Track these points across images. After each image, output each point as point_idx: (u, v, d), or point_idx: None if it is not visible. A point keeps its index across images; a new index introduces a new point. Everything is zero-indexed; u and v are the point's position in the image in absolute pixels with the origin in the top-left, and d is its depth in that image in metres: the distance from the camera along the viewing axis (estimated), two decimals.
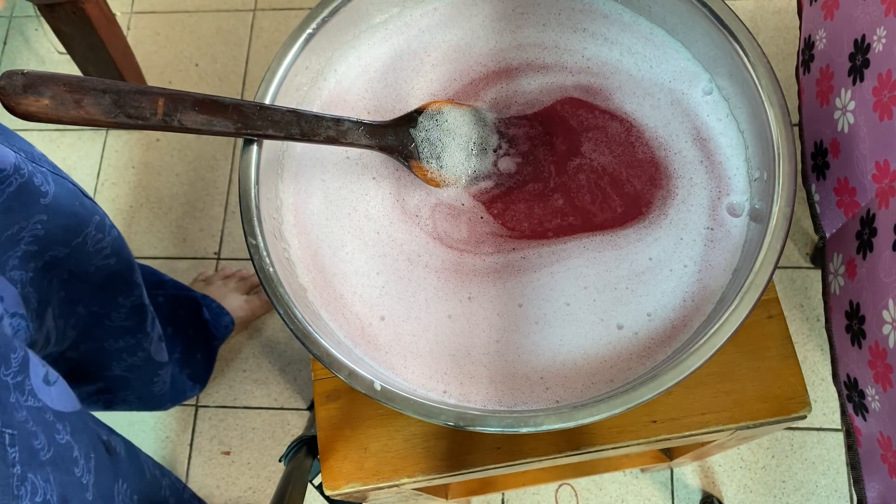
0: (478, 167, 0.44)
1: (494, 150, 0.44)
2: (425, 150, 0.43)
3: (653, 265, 0.41)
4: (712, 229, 0.41)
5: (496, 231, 0.43)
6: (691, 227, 0.42)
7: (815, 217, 0.58)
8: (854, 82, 0.49)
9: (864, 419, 0.50)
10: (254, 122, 0.39)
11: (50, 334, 0.58)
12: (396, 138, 0.42)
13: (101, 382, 0.71)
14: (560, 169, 0.44)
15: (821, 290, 0.56)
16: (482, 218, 0.43)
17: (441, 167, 0.43)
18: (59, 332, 0.60)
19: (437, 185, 0.44)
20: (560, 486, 0.91)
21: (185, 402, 1.00)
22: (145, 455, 0.59)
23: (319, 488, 0.53)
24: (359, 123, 0.41)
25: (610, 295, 0.41)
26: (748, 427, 0.45)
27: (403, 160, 0.43)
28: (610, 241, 0.42)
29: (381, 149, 0.42)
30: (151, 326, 0.71)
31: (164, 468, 0.64)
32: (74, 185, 0.56)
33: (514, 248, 0.42)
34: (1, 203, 0.47)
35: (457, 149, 0.43)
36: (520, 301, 0.41)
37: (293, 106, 0.45)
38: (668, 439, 0.45)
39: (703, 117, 0.44)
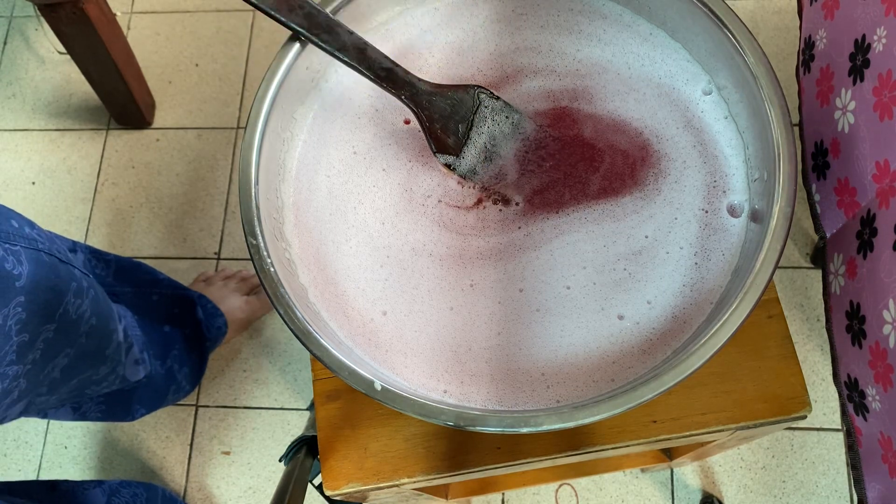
0: (491, 163, 0.44)
1: (515, 152, 0.45)
2: (455, 124, 0.43)
3: (649, 244, 0.41)
4: (706, 212, 0.42)
5: (502, 211, 0.43)
6: (685, 207, 0.42)
7: (815, 217, 0.58)
8: (854, 82, 0.49)
9: (865, 419, 0.50)
10: (320, 29, 0.41)
11: (21, 407, 0.57)
12: (445, 101, 0.42)
13: (71, 405, 0.71)
14: (563, 152, 0.44)
15: (821, 290, 0.56)
16: (490, 202, 0.44)
17: (464, 145, 0.43)
18: (36, 405, 0.60)
19: (454, 154, 0.43)
20: (560, 485, 0.91)
21: (185, 402, 1.00)
22: None
23: (320, 488, 0.53)
24: (413, 77, 0.42)
25: (609, 277, 0.41)
26: (748, 427, 0.45)
27: (427, 122, 0.42)
28: (609, 213, 0.42)
29: (416, 103, 0.42)
30: (127, 354, 0.71)
31: None
32: (51, 253, 0.56)
33: (519, 227, 0.43)
34: None
35: (480, 136, 0.44)
36: (520, 285, 0.41)
37: (296, 106, 0.45)
38: (669, 439, 0.45)
39: (702, 117, 0.44)
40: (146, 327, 0.81)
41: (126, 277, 0.84)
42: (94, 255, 0.81)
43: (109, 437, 0.99)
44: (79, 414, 0.74)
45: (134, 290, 0.84)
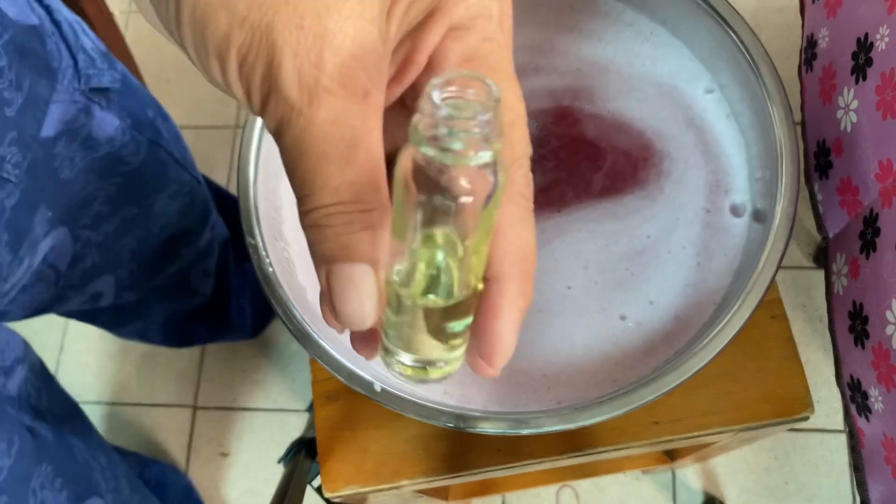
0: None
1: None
2: None
3: (652, 244, 0.41)
4: (709, 211, 0.41)
5: None
6: (688, 207, 0.42)
7: (817, 217, 0.57)
8: (857, 81, 0.48)
9: (868, 420, 0.50)
10: None
11: (100, 297, 0.60)
12: None
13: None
14: (565, 152, 0.44)
15: (823, 291, 0.56)
16: None
17: None
18: (116, 295, 0.62)
19: None
20: (561, 487, 0.91)
21: (183, 403, 0.99)
22: (81, 440, 0.60)
23: (319, 490, 0.53)
24: None
25: (611, 277, 0.41)
26: (750, 428, 0.45)
27: None
28: (610, 212, 0.42)
29: None
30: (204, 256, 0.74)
31: (111, 452, 0.65)
32: (169, 151, 0.59)
33: None
34: (84, 164, 0.49)
35: None
36: None
37: None
38: (670, 441, 0.45)
39: (704, 116, 0.43)
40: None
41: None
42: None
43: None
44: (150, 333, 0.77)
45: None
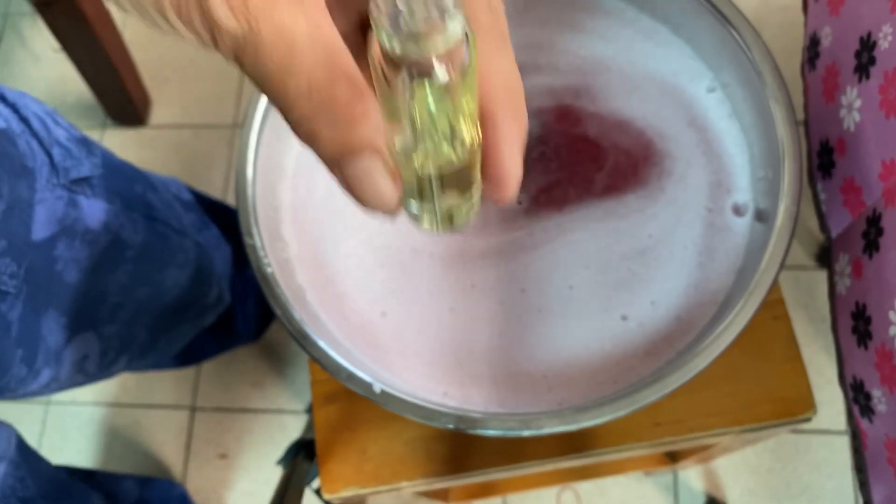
0: None
1: None
2: None
3: (653, 243, 0.41)
4: (711, 211, 0.41)
5: (505, 209, 0.43)
6: (690, 206, 0.41)
7: (820, 217, 0.57)
8: (860, 80, 0.48)
9: (871, 421, 0.49)
10: None
11: (115, 370, 0.59)
12: None
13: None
14: (567, 150, 0.44)
15: (826, 291, 0.55)
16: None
17: None
18: (131, 364, 0.61)
19: None
20: (562, 489, 0.90)
21: (180, 404, 0.99)
22: None
23: (318, 492, 0.53)
24: None
25: (612, 276, 0.40)
26: (753, 430, 0.44)
27: None
28: (612, 211, 0.42)
29: None
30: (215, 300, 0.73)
31: None
32: (166, 222, 0.57)
33: (521, 226, 0.42)
34: (90, 262, 0.48)
35: None
36: (522, 285, 0.41)
37: None
38: (672, 442, 0.45)
39: (706, 115, 0.43)
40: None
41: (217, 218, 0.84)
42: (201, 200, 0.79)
43: (104, 441, 0.99)
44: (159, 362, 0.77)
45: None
